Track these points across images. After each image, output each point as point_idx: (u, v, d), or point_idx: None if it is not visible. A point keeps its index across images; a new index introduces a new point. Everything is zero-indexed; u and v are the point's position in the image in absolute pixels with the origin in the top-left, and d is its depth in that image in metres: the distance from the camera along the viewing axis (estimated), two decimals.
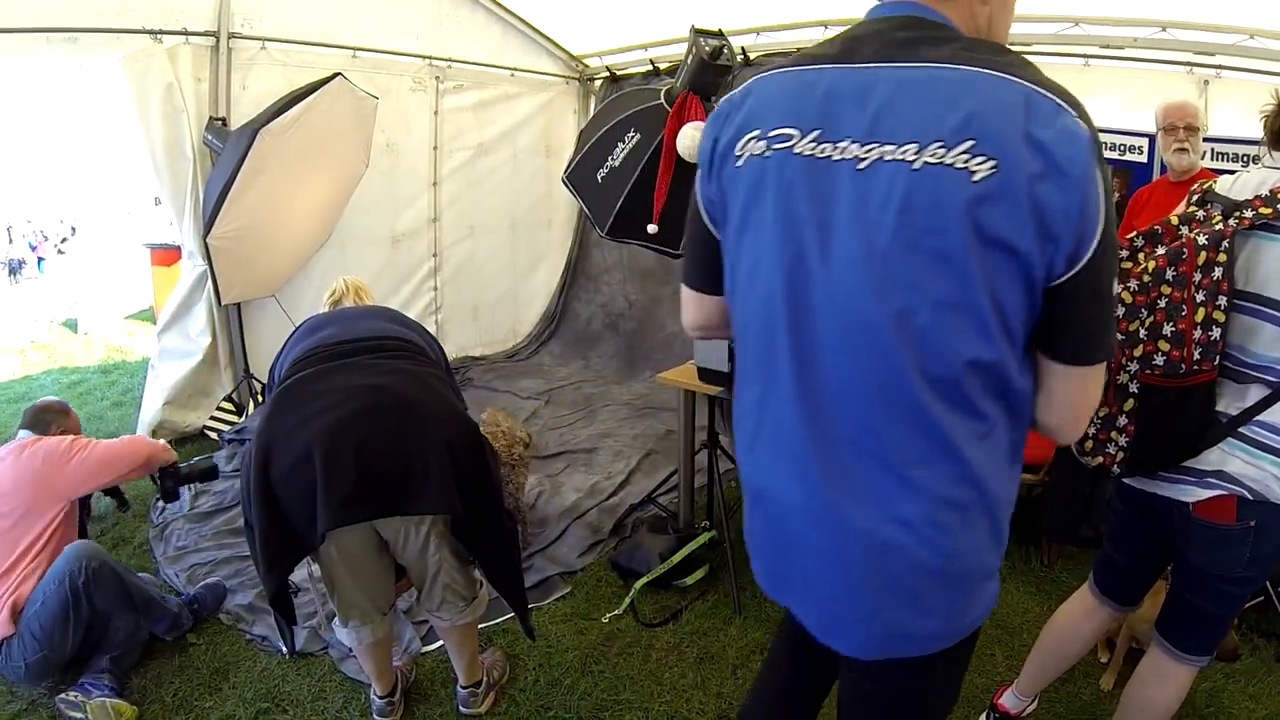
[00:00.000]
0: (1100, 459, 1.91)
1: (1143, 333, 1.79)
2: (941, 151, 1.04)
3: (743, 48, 5.29)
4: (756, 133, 1.19)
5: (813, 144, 1.14)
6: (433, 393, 2.32)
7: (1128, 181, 4.18)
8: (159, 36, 4.43)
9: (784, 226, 1.17)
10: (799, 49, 1.25)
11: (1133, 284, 1.81)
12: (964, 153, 1.03)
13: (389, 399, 2.20)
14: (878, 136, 1.09)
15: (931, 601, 1.23)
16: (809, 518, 1.23)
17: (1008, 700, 2.49)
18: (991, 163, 1.02)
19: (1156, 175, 3.97)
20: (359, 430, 2.11)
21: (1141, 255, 1.84)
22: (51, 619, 2.63)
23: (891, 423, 1.14)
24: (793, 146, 1.15)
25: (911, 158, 1.06)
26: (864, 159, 1.10)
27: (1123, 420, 1.85)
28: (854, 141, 1.11)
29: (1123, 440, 1.86)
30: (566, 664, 2.90)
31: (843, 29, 1.22)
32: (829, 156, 1.13)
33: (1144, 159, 4.19)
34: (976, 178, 1.02)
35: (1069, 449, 2.03)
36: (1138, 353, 1.80)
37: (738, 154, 1.21)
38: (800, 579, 1.32)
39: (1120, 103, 4.45)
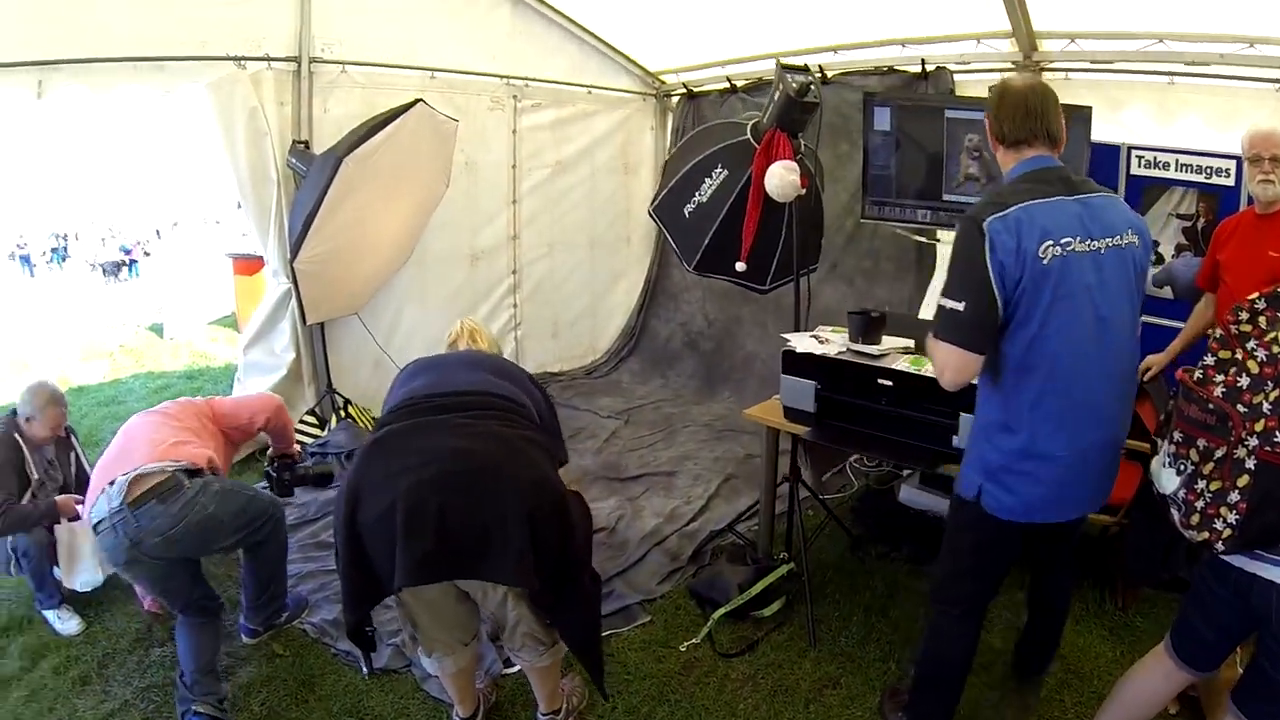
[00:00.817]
0: (1206, 534, 1.84)
1: (1266, 406, 1.72)
2: (1128, 237, 2.09)
3: (820, 65, 5.25)
4: (1050, 241, 1.97)
5: (1081, 244, 2.01)
6: (521, 458, 2.30)
7: (1214, 207, 3.93)
8: (242, 63, 4.60)
9: (1083, 294, 2.02)
10: (1026, 188, 2.08)
11: (1261, 354, 1.76)
12: (1134, 236, 2.11)
13: (474, 464, 2.21)
14: (1105, 234, 2.05)
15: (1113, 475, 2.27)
16: (1091, 451, 2.15)
17: None
18: (1138, 239, 2.12)
19: (1243, 201, 3.77)
20: (441, 495, 2.13)
21: (1263, 319, 1.80)
22: (253, 510, 2.93)
23: (1125, 390, 2.20)
24: (1074, 248, 2.00)
25: (1119, 241, 2.07)
26: (1103, 247, 2.04)
27: (1234, 496, 1.77)
28: (1095, 239, 2.03)
29: (1232, 517, 1.78)
30: (644, 692, 2.93)
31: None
32: (1087, 249, 2.01)
33: (1230, 182, 3.90)
34: (1136, 245, 2.11)
35: (1151, 493, 2.02)
36: (1259, 428, 1.72)
37: (1041, 255, 1.97)
38: (1073, 488, 2.19)
39: (1205, 122, 4.26)
